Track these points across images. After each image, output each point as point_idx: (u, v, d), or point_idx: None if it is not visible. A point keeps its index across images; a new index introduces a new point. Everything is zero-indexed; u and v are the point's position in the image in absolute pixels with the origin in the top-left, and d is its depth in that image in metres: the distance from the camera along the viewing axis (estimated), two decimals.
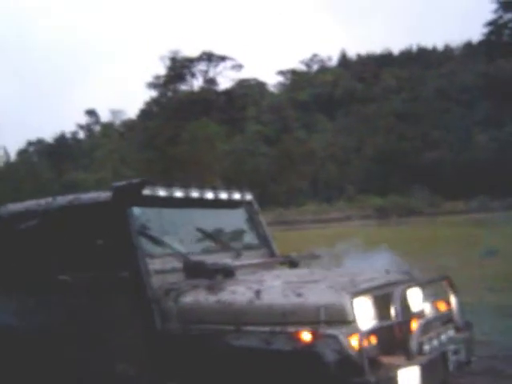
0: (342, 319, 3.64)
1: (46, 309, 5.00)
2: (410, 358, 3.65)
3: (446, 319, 4.43)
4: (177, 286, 4.37)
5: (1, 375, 5.21)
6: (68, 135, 76.59)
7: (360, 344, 3.45)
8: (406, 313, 4.11)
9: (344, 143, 57.95)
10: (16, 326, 5.19)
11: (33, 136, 79.19)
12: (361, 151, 56.31)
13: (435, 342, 3.95)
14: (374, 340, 3.63)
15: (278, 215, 41.40)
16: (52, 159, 63.97)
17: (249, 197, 5.75)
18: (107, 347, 4.59)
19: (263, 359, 3.71)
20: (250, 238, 5.71)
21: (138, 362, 4.39)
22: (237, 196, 5.60)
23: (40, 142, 73.42)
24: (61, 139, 74.61)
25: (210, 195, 5.27)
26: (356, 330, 3.54)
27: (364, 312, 3.76)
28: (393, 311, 3.81)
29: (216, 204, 5.42)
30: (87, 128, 76.63)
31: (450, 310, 4.49)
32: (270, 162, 54.77)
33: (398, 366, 3.55)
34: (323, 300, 3.74)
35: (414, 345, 3.71)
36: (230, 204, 5.61)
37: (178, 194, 4.97)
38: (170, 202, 4.95)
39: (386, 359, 3.62)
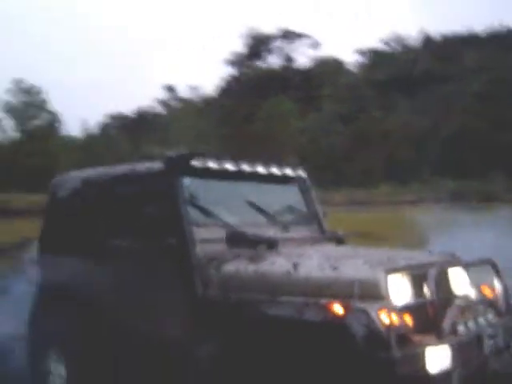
0: (375, 295, 3.73)
1: (101, 272, 5.35)
2: (440, 337, 3.70)
3: (487, 303, 4.43)
4: (220, 255, 4.59)
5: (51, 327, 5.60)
6: (147, 110, 78.06)
7: (389, 320, 3.52)
8: (446, 293, 4.14)
9: (421, 124, 56.64)
10: (73, 286, 5.57)
11: (113, 110, 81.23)
12: (437, 132, 54.94)
13: (471, 325, 3.99)
14: (406, 317, 3.68)
15: (349, 195, 41.02)
16: (130, 133, 65.43)
17: (301, 173, 5.86)
18: (154, 311, 4.87)
19: (295, 329, 3.82)
20: (300, 213, 5.83)
21: (181, 325, 4.63)
22: (289, 172, 5.74)
23: (120, 116, 75.17)
24: (140, 113, 76.13)
25: (261, 169, 5.37)
26: (387, 306, 3.61)
27: (398, 289, 3.83)
28: (427, 290, 3.84)
29: (268, 179, 5.58)
30: (166, 103, 77.75)
31: (494, 294, 4.47)
32: (345, 141, 54.23)
33: (427, 344, 3.61)
34: (358, 275, 3.86)
35: (446, 325, 3.78)
36: (283, 179, 5.74)
37: (229, 166, 5.16)
38: (220, 175, 5.15)
39: (416, 337, 3.67)
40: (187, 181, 4.92)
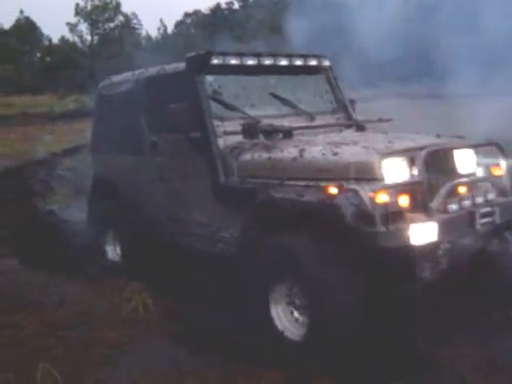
0: (370, 177, 4.00)
1: (142, 166, 5.95)
2: (428, 215, 3.92)
3: (492, 183, 4.58)
4: (240, 145, 4.96)
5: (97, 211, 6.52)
6: (223, 6, 77.13)
7: (378, 199, 3.75)
8: (447, 173, 4.32)
9: None
10: (118, 180, 6.32)
11: (190, 8, 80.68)
12: None
13: (467, 203, 4.17)
14: (397, 197, 3.88)
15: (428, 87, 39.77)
16: (207, 30, 65.14)
17: (326, 63, 6.01)
18: (186, 199, 5.40)
19: (297, 210, 4.16)
20: (326, 103, 6.01)
21: (208, 211, 5.11)
22: (313, 62, 5.90)
23: (196, 14, 74.74)
24: (216, 10, 75.33)
25: (283, 62, 5.63)
26: (377, 186, 3.85)
27: (393, 171, 4.04)
28: (415, 170, 4.05)
29: (292, 70, 5.78)
30: None
31: (500, 175, 4.58)
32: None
33: (413, 220, 3.83)
34: (354, 158, 4.10)
35: (435, 203, 3.99)
36: (307, 70, 5.92)
37: (250, 62, 5.43)
38: (243, 70, 5.44)
39: (407, 215, 3.88)
40: (210, 78, 5.23)
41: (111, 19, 44.14)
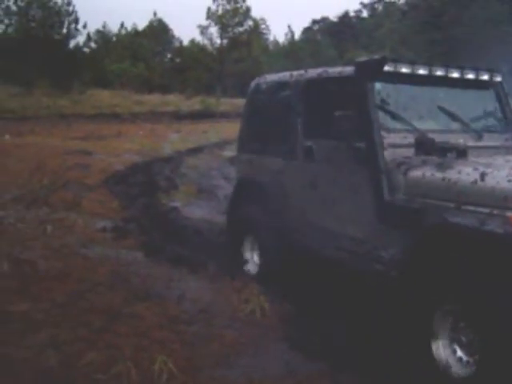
0: None
1: (293, 171, 5.78)
2: None
3: None
4: (408, 161, 4.66)
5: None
6: (352, 14, 76.80)
7: None
8: None
9: None
10: (269, 182, 6.10)
11: (318, 15, 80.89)
12: None
13: None
14: None
15: None
16: (335, 38, 65.13)
17: (498, 78, 5.63)
18: (341, 210, 5.15)
19: (475, 239, 3.82)
20: (495, 121, 5.65)
21: (366, 227, 4.84)
22: (485, 76, 5.52)
23: (324, 21, 74.85)
24: (344, 18, 75.11)
25: (455, 74, 5.29)
26: None
27: None
28: None
29: (462, 84, 5.43)
30: (371, 7, 75.81)
31: None
32: None
33: None
34: None
35: None
36: (478, 84, 5.57)
37: (422, 71, 5.11)
38: (413, 80, 5.13)
39: None
40: (378, 86, 4.94)
41: (241, 23, 45.04)
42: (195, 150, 17.27)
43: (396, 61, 4.97)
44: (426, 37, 48.31)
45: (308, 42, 59.67)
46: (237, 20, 44.44)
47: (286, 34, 56.43)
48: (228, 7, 44.15)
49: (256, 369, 4.09)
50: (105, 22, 78.04)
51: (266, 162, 6.16)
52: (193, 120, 28.23)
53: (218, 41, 44.93)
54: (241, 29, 45.03)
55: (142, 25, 64.18)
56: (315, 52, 51.31)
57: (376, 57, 5.05)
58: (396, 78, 5.02)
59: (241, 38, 43.99)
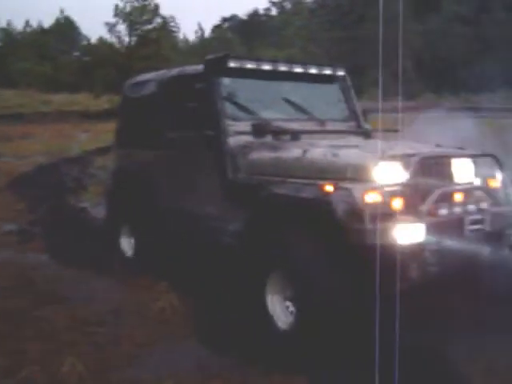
0: (365, 179, 4.18)
1: (160, 161, 6.16)
2: (418, 217, 4.07)
3: (487, 192, 4.66)
4: (250, 145, 5.19)
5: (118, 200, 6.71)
6: (261, 12, 77.50)
7: (369, 198, 3.94)
8: (442, 180, 4.45)
9: None
10: (140, 172, 6.47)
11: (227, 12, 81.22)
12: None
13: (457, 209, 4.37)
14: (389, 199, 4.04)
15: (464, 101, 39.52)
16: (244, 35, 65.52)
17: (341, 72, 6.25)
18: (199, 193, 5.59)
19: (295, 204, 4.39)
20: (338, 111, 6.22)
21: (216, 205, 5.30)
22: (328, 71, 6.15)
23: (234, 19, 75.20)
24: (254, 16, 75.73)
25: (298, 69, 5.87)
26: (370, 187, 4.02)
27: (387, 175, 4.18)
28: (408, 175, 4.17)
29: (308, 78, 6.02)
30: (279, 5, 76.68)
31: (495, 186, 4.75)
32: (465, 45, 51.51)
33: (401, 221, 3.99)
34: (351, 160, 4.35)
35: (425, 206, 4.14)
36: (322, 78, 6.16)
37: (266, 67, 5.67)
38: (259, 74, 5.68)
39: (397, 216, 4.04)
40: (227, 80, 5.45)
41: (149, 21, 44.58)
42: (104, 150, 17.01)
43: (240, 58, 5.59)
44: (333, 35, 49.48)
45: (218, 39, 59.80)
46: (145, 17, 43.96)
47: (196, 32, 56.32)
48: (136, 4, 43.60)
49: (167, 366, 4.11)
50: (9, 20, 75.27)
51: (139, 154, 6.53)
52: (101, 119, 27.75)
53: (127, 38, 44.29)
54: (149, 26, 44.57)
55: (48, 22, 62.51)
56: (225, 50, 51.42)
57: (220, 54, 5.52)
58: (242, 73, 5.54)
59: (149, 35, 43.54)
